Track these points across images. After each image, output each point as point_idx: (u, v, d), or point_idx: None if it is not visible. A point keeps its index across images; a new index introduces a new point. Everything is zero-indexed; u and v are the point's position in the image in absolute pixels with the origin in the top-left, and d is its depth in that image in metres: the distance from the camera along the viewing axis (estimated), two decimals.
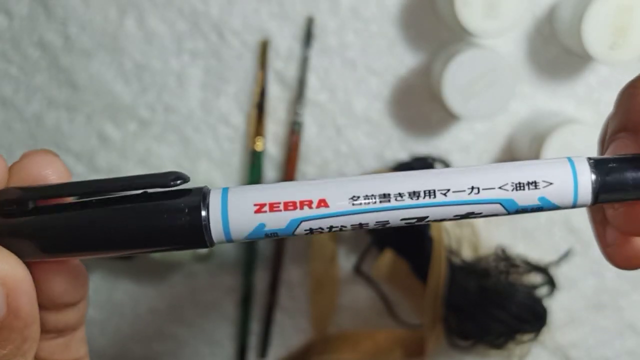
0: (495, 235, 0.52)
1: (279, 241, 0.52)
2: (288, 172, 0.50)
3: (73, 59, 0.50)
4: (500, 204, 0.20)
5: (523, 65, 0.49)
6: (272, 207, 0.19)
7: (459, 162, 0.51)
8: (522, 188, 0.20)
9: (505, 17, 0.43)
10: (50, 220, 0.19)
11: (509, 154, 0.51)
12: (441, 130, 0.51)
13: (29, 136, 0.51)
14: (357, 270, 0.53)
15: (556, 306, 0.53)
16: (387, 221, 0.20)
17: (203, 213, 0.19)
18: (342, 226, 0.19)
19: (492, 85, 0.44)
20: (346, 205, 0.19)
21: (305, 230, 0.19)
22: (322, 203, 0.19)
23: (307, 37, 0.48)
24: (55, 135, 0.51)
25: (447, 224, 0.51)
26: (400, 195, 0.20)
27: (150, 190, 0.19)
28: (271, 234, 0.19)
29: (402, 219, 0.20)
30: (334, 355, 0.54)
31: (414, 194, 0.19)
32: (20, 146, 0.52)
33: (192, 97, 0.50)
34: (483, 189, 0.20)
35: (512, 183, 0.20)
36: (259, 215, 0.19)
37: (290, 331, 0.55)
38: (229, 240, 0.19)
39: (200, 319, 0.55)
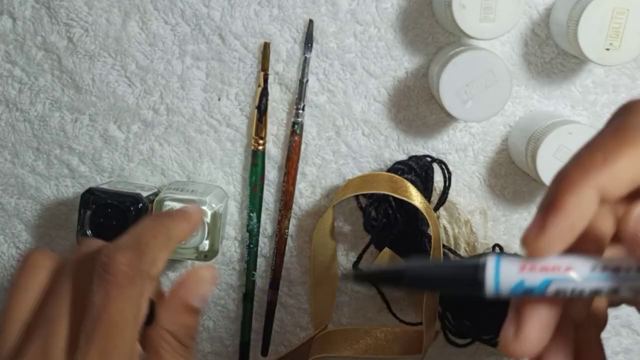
0: (492, 234, 0.53)
1: (279, 240, 0.53)
2: (289, 172, 0.51)
3: (76, 61, 0.50)
4: None
5: (519, 67, 0.50)
6: (531, 267, 0.24)
7: (456, 162, 0.52)
8: None
9: (501, 19, 0.43)
10: None
11: (506, 155, 0.52)
12: (438, 131, 0.51)
13: (33, 137, 0.52)
14: (357, 268, 0.54)
15: None
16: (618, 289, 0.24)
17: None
18: (582, 290, 0.24)
19: (488, 87, 0.45)
20: (587, 274, 0.24)
21: (554, 290, 0.24)
22: (569, 269, 0.24)
23: (307, 39, 0.49)
24: (59, 136, 0.52)
25: (444, 222, 0.52)
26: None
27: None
28: (527, 290, 0.24)
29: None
30: (334, 352, 0.54)
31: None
32: (23, 147, 0.52)
33: (194, 99, 0.51)
34: None
35: None
36: (521, 273, 0.24)
37: (290, 328, 0.56)
38: (497, 291, 0.24)
39: (202, 317, 0.56)
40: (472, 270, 0.24)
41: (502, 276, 0.24)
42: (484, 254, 0.24)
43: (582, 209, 0.23)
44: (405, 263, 0.25)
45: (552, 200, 0.24)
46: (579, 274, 0.23)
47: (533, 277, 0.24)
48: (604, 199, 0.24)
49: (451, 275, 0.25)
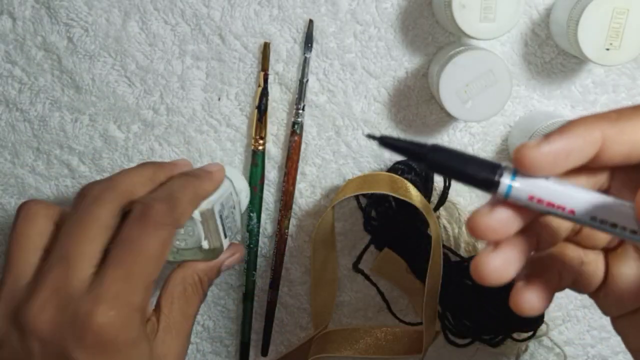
0: None
1: (279, 240, 0.53)
2: (289, 172, 0.51)
3: (76, 61, 0.50)
4: None
5: (519, 67, 0.50)
6: (539, 201, 0.26)
7: None
8: None
9: (501, 19, 0.43)
10: None
11: (506, 155, 0.52)
12: (438, 131, 0.51)
13: (33, 137, 0.52)
14: (357, 268, 0.54)
15: (552, 304, 0.54)
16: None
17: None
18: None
19: (488, 87, 0.45)
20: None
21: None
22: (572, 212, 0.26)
23: (307, 39, 0.49)
24: (59, 136, 0.52)
25: (444, 222, 0.52)
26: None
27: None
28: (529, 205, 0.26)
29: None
30: (334, 352, 0.54)
31: None
32: (23, 147, 0.52)
33: (194, 99, 0.51)
34: None
35: None
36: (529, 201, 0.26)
37: (290, 328, 0.56)
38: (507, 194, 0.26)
39: (202, 316, 0.56)
40: (491, 170, 0.26)
41: (513, 189, 0.26)
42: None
43: (584, 141, 0.25)
44: (431, 145, 0.27)
45: (559, 128, 0.26)
46: (580, 214, 0.26)
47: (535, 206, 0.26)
48: (603, 153, 0.25)
49: (470, 169, 0.26)
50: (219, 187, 0.43)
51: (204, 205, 0.41)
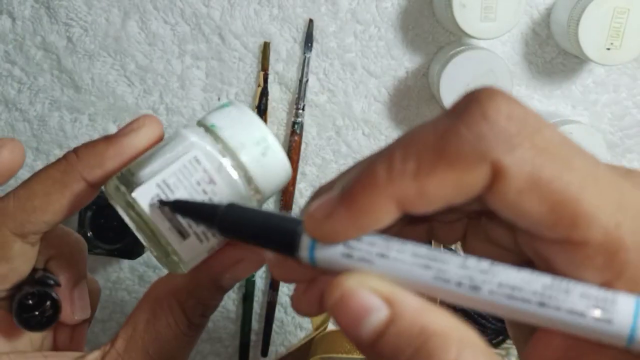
0: None
1: None
2: None
3: (76, 61, 0.50)
4: None
5: (520, 67, 0.50)
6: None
7: None
8: None
9: (502, 19, 0.43)
10: None
11: None
12: None
13: (32, 136, 0.52)
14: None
15: None
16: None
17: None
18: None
19: None
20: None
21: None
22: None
23: (307, 39, 0.49)
24: (58, 135, 0.52)
25: None
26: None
27: None
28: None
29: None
30: (334, 353, 0.54)
31: None
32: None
33: (194, 99, 0.51)
34: None
35: None
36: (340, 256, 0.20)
37: (290, 329, 0.56)
38: (312, 259, 0.21)
39: None
40: (292, 229, 0.21)
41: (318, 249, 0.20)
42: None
43: (376, 218, 0.20)
44: (226, 205, 0.22)
45: (350, 193, 0.20)
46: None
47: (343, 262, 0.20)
48: (406, 210, 0.20)
49: (269, 228, 0.21)
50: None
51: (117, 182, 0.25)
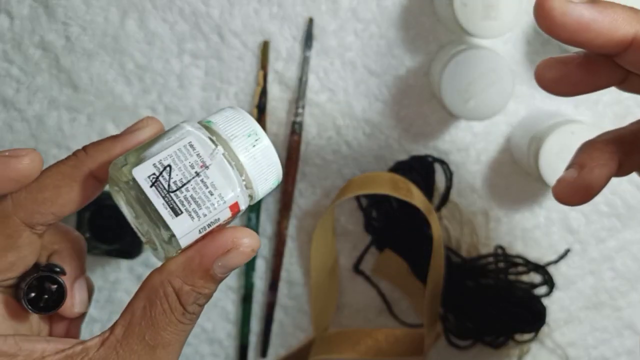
0: (494, 235, 0.53)
1: (278, 241, 0.52)
2: (288, 172, 0.51)
3: (74, 60, 0.50)
4: None
5: (522, 66, 0.49)
6: None
7: (457, 162, 0.51)
8: None
9: (503, 17, 0.43)
10: None
11: (508, 154, 0.51)
12: (440, 131, 0.51)
13: (31, 136, 0.52)
14: (357, 269, 0.53)
15: (555, 305, 0.53)
16: None
17: None
18: None
19: (490, 86, 0.45)
20: None
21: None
22: None
23: (307, 37, 0.49)
24: (56, 135, 0.52)
25: (446, 223, 0.52)
26: None
27: None
28: None
29: None
30: (334, 354, 0.54)
31: None
32: (21, 146, 0.52)
33: (193, 98, 0.50)
34: None
35: None
36: None
37: (290, 330, 0.55)
38: None
39: (201, 318, 0.56)
40: None
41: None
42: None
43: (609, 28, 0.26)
44: None
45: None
46: None
47: None
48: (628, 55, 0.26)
49: None
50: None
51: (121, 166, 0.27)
